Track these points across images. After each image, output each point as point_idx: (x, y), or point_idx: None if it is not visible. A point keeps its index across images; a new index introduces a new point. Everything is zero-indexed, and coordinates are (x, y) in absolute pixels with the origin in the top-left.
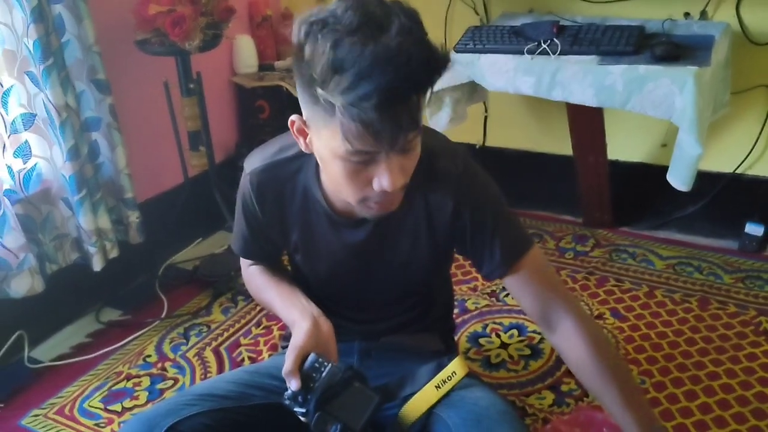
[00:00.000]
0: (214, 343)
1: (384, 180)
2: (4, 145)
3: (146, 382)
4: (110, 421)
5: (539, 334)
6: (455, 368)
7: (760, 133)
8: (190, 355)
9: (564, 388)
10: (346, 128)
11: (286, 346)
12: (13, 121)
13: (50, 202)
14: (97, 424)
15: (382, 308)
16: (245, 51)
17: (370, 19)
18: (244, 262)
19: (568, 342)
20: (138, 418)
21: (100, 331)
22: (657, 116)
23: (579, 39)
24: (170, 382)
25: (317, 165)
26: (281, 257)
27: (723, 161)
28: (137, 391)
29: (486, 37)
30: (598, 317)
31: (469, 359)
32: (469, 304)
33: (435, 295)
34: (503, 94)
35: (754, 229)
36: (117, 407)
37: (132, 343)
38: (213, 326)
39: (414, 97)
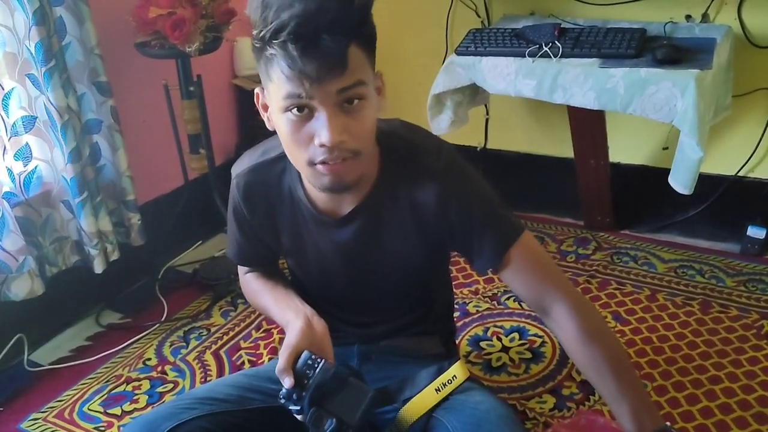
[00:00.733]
0: (214, 347)
1: (323, 133)
2: (5, 147)
3: (146, 385)
4: (110, 425)
5: (540, 337)
6: (456, 372)
7: (762, 136)
8: (190, 358)
9: (565, 392)
10: (278, 71)
11: None
12: (14, 123)
13: (50, 205)
14: (96, 428)
15: (380, 311)
16: (246, 53)
17: None
18: (241, 269)
19: (562, 329)
20: (138, 422)
21: (100, 334)
22: (658, 119)
23: (580, 42)
24: (170, 386)
25: None
26: (277, 261)
27: (725, 164)
28: (137, 394)
29: (487, 40)
30: None
31: (469, 362)
32: (470, 308)
33: (434, 297)
34: (504, 96)
35: (756, 232)
36: (117, 411)
37: (132, 346)
38: (213, 329)
39: (339, 40)
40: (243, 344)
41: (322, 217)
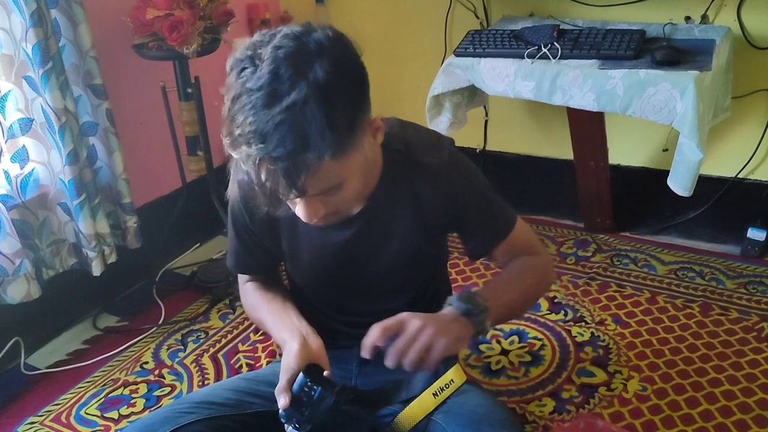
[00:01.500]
0: (212, 350)
1: (299, 210)
2: (1, 150)
3: (143, 389)
4: (107, 429)
5: (540, 340)
6: (453, 376)
7: (762, 138)
8: (187, 361)
9: (564, 395)
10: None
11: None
12: (11, 126)
13: (47, 208)
14: None
15: (380, 313)
16: None
17: (274, 79)
18: (241, 278)
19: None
20: (135, 426)
21: (97, 338)
22: (658, 121)
23: (579, 43)
24: (168, 389)
25: None
26: (277, 268)
27: (724, 166)
28: (134, 398)
29: (486, 41)
30: (600, 323)
31: (469, 366)
32: None
33: (431, 299)
34: (503, 98)
35: (756, 234)
36: (114, 415)
37: (129, 349)
38: (211, 333)
39: (292, 170)
40: (241, 347)
41: None
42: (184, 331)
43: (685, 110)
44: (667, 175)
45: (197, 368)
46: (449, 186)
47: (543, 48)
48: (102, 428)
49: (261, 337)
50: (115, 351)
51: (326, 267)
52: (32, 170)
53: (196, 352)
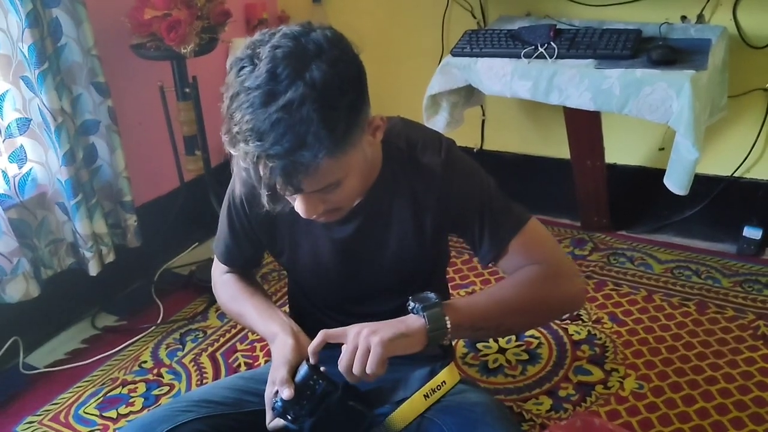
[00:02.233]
0: (210, 349)
1: (298, 206)
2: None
3: (142, 388)
4: (105, 428)
5: (537, 339)
6: (445, 377)
7: (758, 137)
8: (186, 360)
9: (561, 393)
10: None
11: None
12: (8, 125)
13: (45, 207)
14: (92, 431)
15: (376, 311)
16: None
17: (271, 78)
18: (217, 268)
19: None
20: (133, 425)
21: (96, 337)
22: (654, 120)
23: (576, 43)
24: (166, 389)
25: None
26: (258, 266)
27: (721, 165)
28: (133, 397)
29: (483, 41)
30: (597, 321)
31: (466, 364)
32: None
33: None
34: (500, 97)
35: (752, 233)
36: (112, 414)
37: (128, 348)
38: (209, 332)
39: (289, 167)
40: (239, 346)
41: None
42: (182, 331)
43: (681, 109)
44: (664, 174)
45: (195, 367)
46: (445, 186)
47: (540, 48)
48: (100, 427)
49: (259, 336)
50: (113, 350)
51: (325, 264)
52: (30, 170)
53: (195, 351)
